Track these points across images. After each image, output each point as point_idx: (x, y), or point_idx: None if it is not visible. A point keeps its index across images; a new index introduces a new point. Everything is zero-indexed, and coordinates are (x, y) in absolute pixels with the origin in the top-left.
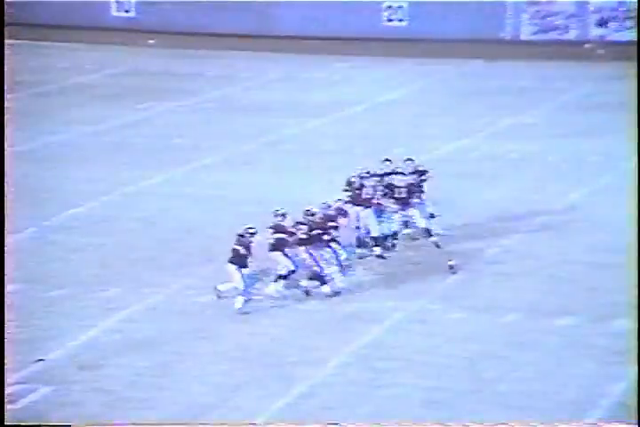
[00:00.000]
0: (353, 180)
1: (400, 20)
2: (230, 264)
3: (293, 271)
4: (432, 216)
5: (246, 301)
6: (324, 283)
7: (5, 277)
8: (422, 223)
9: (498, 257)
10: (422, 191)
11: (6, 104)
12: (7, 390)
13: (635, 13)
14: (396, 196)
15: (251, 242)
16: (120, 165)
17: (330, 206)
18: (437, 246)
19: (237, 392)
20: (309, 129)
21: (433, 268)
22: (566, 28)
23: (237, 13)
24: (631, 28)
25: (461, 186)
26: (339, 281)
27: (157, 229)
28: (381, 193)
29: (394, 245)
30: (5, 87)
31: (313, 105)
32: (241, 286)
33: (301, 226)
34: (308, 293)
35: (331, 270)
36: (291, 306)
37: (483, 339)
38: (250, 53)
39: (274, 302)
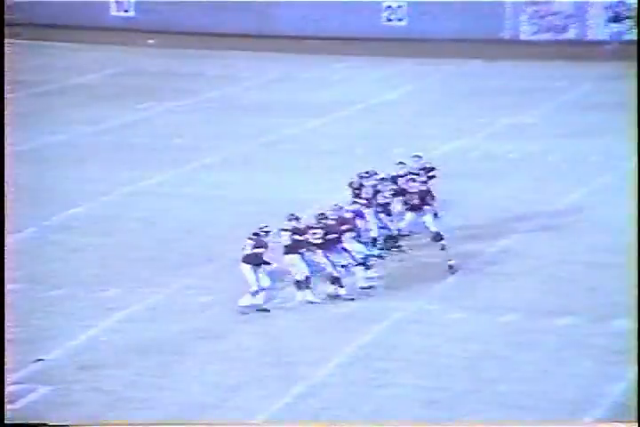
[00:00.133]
0: (354, 180)
1: (399, 20)
2: (244, 264)
3: (308, 277)
4: (436, 215)
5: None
6: (341, 286)
7: (5, 277)
8: (434, 228)
9: (497, 257)
10: (433, 197)
11: (6, 104)
12: (7, 390)
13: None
14: (407, 201)
15: (267, 241)
16: (120, 165)
17: (342, 208)
18: (443, 249)
19: (237, 392)
20: (309, 129)
21: (432, 268)
22: (565, 28)
23: (237, 13)
24: (631, 28)
25: (461, 186)
26: (366, 278)
27: (157, 229)
28: (391, 193)
29: (398, 246)
30: (5, 87)
31: (313, 105)
32: (255, 286)
33: (316, 230)
34: (336, 296)
35: (356, 269)
36: (291, 306)
37: (482, 339)
38: (250, 53)
39: (284, 304)
